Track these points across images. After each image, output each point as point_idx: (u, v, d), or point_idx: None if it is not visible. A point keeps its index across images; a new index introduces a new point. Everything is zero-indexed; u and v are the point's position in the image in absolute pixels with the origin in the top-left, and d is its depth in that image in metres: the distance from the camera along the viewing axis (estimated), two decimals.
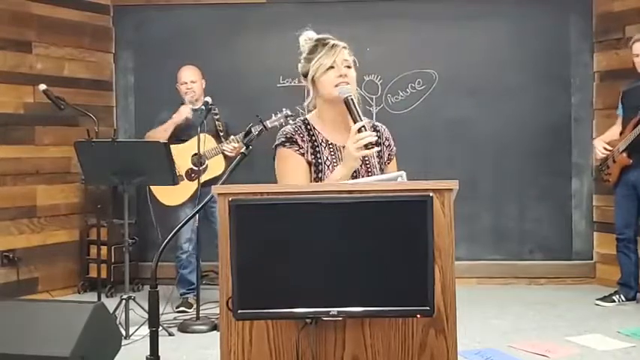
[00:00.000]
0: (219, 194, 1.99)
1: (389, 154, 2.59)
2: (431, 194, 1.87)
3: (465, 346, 4.04)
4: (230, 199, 1.90)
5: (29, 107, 5.43)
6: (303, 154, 2.43)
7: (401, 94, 6.01)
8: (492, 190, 6.03)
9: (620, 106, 5.23)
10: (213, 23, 6.09)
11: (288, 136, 2.45)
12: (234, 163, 2.39)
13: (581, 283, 5.89)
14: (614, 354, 4.02)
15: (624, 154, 5.01)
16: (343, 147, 2.43)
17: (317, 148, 2.45)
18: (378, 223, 1.87)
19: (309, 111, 2.56)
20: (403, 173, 2.23)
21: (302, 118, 2.53)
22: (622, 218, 5.16)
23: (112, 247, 5.50)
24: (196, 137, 4.89)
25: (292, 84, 6.04)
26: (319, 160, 2.44)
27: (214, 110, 5.19)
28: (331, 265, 1.87)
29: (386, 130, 2.61)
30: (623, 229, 5.15)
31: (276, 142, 2.46)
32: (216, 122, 5.18)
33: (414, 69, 6.01)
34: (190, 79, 5.26)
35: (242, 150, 2.38)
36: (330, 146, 2.47)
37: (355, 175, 2.42)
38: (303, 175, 2.41)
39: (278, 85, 6.05)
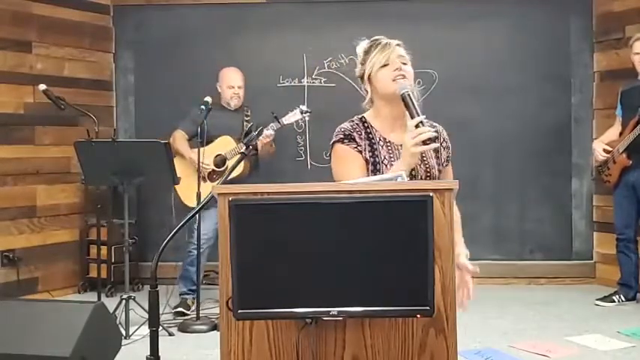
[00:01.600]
0: (219, 194, 1.99)
1: (447, 156, 2.55)
2: (431, 194, 1.87)
3: (465, 346, 4.03)
4: (230, 198, 1.89)
5: (29, 107, 5.43)
6: (360, 152, 2.41)
7: None
8: (492, 190, 6.03)
9: (618, 106, 5.22)
10: (213, 23, 6.09)
11: (346, 132, 2.43)
12: (233, 163, 2.39)
13: (581, 283, 5.88)
14: (614, 354, 4.02)
15: (624, 155, 5.00)
16: (401, 145, 2.40)
17: (374, 146, 2.42)
18: (378, 223, 1.86)
19: (365, 111, 2.53)
20: (403, 173, 2.22)
21: (359, 115, 2.51)
22: (622, 219, 5.15)
23: (112, 247, 5.48)
24: (222, 138, 5.02)
25: (292, 84, 6.04)
26: (377, 159, 2.41)
27: (247, 112, 5.20)
28: (331, 265, 1.86)
29: (444, 131, 2.58)
30: (622, 229, 5.14)
31: (333, 139, 2.45)
32: (245, 124, 5.17)
33: (414, 69, 5.97)
34: (238, 84, 5.24)
35: (242, 150, 2.38)
36: (388, 144, 2.44)
37: (414, 175, 2.38)
38: (359, 172, 2.38)
39: (278, 85, 6.05)
